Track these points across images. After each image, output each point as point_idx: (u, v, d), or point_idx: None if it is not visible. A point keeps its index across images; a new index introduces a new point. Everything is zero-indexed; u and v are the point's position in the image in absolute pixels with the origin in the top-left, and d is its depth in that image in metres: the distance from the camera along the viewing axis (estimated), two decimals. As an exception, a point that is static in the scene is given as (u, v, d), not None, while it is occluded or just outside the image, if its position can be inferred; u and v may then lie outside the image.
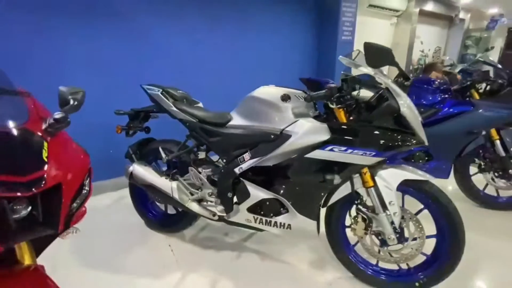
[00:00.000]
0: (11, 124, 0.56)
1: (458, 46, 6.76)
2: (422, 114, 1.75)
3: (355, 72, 1.17)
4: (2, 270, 0.55)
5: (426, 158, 1.88)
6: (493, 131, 1.81)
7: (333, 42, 3.62)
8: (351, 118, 1.14)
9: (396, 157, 1.45)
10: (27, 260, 0.60)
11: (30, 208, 0.53)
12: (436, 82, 1.90)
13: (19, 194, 0.49)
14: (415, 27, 5.16)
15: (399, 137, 1.04)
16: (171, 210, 1.71)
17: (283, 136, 1.16)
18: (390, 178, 1.10)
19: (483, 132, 1.74)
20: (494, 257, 1.44)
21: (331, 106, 1.10)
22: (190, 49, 2.63)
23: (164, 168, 1.58)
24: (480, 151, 1.88)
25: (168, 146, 1.56)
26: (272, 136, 1.19)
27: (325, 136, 1.08)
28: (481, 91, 1.94)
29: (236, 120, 1.32)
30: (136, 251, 1.50)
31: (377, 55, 1.02)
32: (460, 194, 1.99)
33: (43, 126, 0.61)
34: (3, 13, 1.78)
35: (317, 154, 1.08)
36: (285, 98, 1.17)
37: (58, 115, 0.63)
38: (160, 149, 1.50)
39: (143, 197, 1.72)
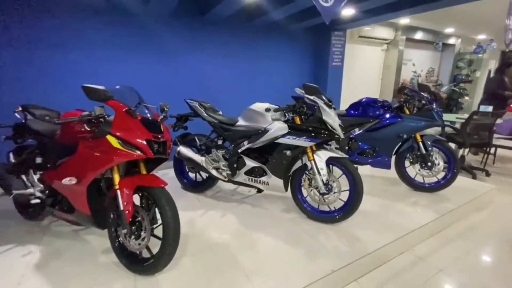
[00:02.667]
0: (152, 116, 1.50)
1: (450, 68, 7.32)
2: (369, 123, 2.60)
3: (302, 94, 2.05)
4: (132, 175, 1.46)
5: (374, 153, 2.67)
6: (418, 136, 2.56)
7: (325, 67, 4.47)
8: (302, 121, 2.01)
9: (326, 144, 2.23)
10: (143, 171, 1.52)
11: (157, 146, 1.44)
12: (381, 101, 2.70)
13: (157, 140, 1.41)
14: (402, 52, 5.88)
15: (322, 131, 1.89)
16: (199, 178, 2.64)
17: (265, 131, 2.04)
18: (322, 155, 1.94)
19: (405, 136, 2.50)
20: (401, 214, 2.18)
21: (287, 115, 1.98)
22: (213, 72, 3.63)
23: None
24: (411, 150, 2.63)
25: (200, 137, 2.50)
26: (260, 131, 2.08)
27: (285, 130, 1.95)
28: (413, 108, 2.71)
29: (241, 122, 2.24)
30: (177, 201, 2.41)
31: (311, 89, 1.89)
32: (399, 180, 2.73)
33: (159, 119, 1.55)
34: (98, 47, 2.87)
35: (281, 140, 1.96)
36: (268, 109, 2.06)
37: (163, 115, 1.57)
38: (196, 138, 2.44)
39: (182, 170, 2.67)
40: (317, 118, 1.91)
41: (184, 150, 2.40)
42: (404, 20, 5.30)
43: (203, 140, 2.47)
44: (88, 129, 1.46)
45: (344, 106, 3.26)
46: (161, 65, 3.29)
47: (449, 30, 6.44)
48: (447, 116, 3.99)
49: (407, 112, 2.68)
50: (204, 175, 2.63)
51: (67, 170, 1.47)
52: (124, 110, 1.38)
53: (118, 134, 1.33)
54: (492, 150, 3.94)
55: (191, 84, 3.51)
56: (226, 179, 2.28)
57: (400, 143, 2.61)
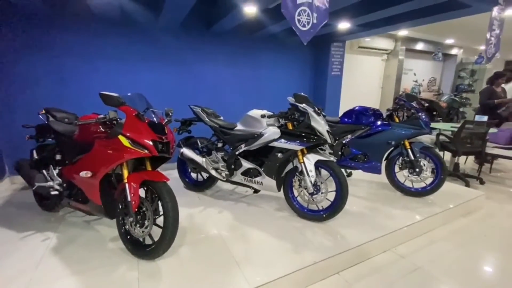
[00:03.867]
0: (158, 119, 1.71)
1: (452, 77, 7.39)
2: (361, 130, 2.76)
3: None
4: (138, 171, 1.67)
5: (365, 158, 2.81)
6: (406, 143, 2.70)
7: (324, 76, 4.66)
8: (295, 127, 2.19)
9: (321, 150, 2.41)
10: (148, 167, 1.72)
11: (161, 146, 1.64)
12: (372, 110, 2.85)
13: (161, 140, 1.62)
14: (402, 62, 6.02)
15: (311, 137, 2.06)
16: (200, 178, 2.83)
17: (260, 135, 2.23)
18: (311, 158, 2.10)
19: (393, 143, 2.64)
20: (387, 215, 2.31)
21: (280, 121, 2.16)
22: (217, 79, 3.87)
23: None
24: (400, 156, 2.76)
25: (201, 140, 2.70)
26: (256, 135, 2.27)
27: (278, 135, 2.14)
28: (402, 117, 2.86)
29: (239, 126, 2.44)
30: (179, 198, 2.61)
31: (301, 98, 2.08)
32: (388, 184, 2.86)
33: (164, 122, 1.76)
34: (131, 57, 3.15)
35: (275, 143, 2.14)
36: (263, 116, 2.26)
37: (167, 119, 1.78)
38: (198, 141, 2.65)
39: (185, 170, 2.87)
40: (306, 124, 2.08)
41: (187, 152, 2.60)
42: (403, 32, 5.46)
43: (205, 142, 2.68)
44: (103, 130, 1.67)
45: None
46: (170, 73, 3.55)
47: (449, 41, 6.54)
48: (442, 125, 4.09)
49: (397, 120, 2.82)
50: (205, 175, 2.83)
51: (84, 165, 1.68)
52: (134, 114, 1.59)
53: (128, 134, 1.54)
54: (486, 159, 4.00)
55: (196, 90, 3.75)
56: (224, 179, 2.47)
57: (390, 150, 2.75)
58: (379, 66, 6.10)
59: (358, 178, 3.26)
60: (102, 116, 1.64)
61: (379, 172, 2.77)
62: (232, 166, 2.39)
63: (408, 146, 2.69)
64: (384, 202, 2.60)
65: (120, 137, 1.54)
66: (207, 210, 2.40)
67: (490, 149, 3.75)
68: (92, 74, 3.14)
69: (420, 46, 6.37)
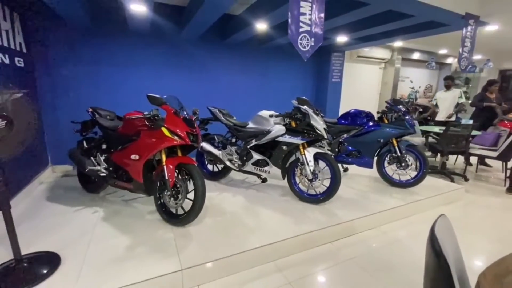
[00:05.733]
0: (188, 116, 2.15)
1: (448, 85, 7.70)
2: (355, 130, 3.15)
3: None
4: (173, 156, 2.11)
5: (358, 155, 3.21)
6: (394, 141, 3.09)
7: (325, 82, 5.08)
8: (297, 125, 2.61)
9: (321, 146, 2.81)
10: (180, 154, 2.16)
11: (192, 137, 2.08)
12: (365, 112, 3.26)
13: (192, 133, 2.06)
14: (399, 70, 6.40)
15: (311, 133, 2.48)
16: (215, 169, 3.27)
17: (268, 131, 2.66)
18: (311, 151, 2.52)
19: (382, 140, 3.03)
20: (375, 201, 2.69)
21: (285, 120, 2.59)
22: (231, 84, 4.33)
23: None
24: (389, 152, 3.14)
25: (218, 136, 3.14)
26: (265, 132, 2.69)
27: (283, 131, 2.56)
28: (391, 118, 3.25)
29: (250, 125, 2.87)
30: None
31: (302, 101, 2.51)
32: (379, 178, 3.24)
33: (193, 119, 2.20)
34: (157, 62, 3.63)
35: (280, 138, 2.57)
36: (271, 115, 2.69)
37: (195, 116, 2.23)
38: (215, 137, 3.09)
39: (203, 162, 3.31)
40: (306, 122, 2.50)
41: (206, 145, 3.04)
42: (399, 43, 5.87)
43: (220, 138, 3.12)
44: (146, 124, 2.11)
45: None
46: (190, 79, 4.03)
47: (443, 51, 6.92)
48: (431, 128, 4.45)
49: (386, 121, 3.22)
50: (220, 166, 3.26)
51: (133, 150, 2.12)
52: (172, 111, 2.04)
53: (169, 127, 1.98)
54: (472, 159, 4.32)
55: (213, 94, 4.22)
56: (237, 169, 2.90)
57: (380, 147, 3.14)
58: (377, 73, 6.49)
59: (353, 173, 3.65)
60: (147, 112, 2.09)
61: (371, 166, 3.16)
62: (244, 158, 2.82)
63: (395, 144, 3.08)
64: (374, 191, 2.99)
65: (163, 129, 1.98)
66: (223, 194, 2.83)
67: (475, 150, 4.09)
68: (124, 79, 3.62)
69: (416, 55, 6.75)
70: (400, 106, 3.15)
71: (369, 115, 3.25)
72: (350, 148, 3.23)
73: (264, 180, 3.18)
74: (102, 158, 2.47)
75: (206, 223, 2.19)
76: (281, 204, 2.59)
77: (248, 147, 2.80)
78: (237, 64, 4.35)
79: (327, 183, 2.55)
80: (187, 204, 2.10)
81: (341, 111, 5.14)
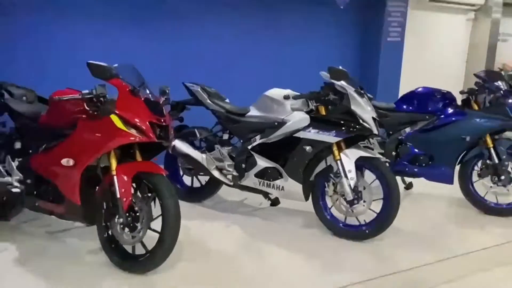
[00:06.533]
0: (154, 98, 2.20)
1: None
2: (424, 121, 3.17)
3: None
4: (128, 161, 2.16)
5: (429, 161, 3.23)
6: (488, 139, 3.09)
7: (376, 44, 5.09)
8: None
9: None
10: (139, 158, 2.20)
11: (159, 130, 2.12)
12: (441, 92, 3.27)
13: (160, 124, 2.10)
14: (499, 24, 6.34)
15: (351, 126, 2.50)
16: (196, 184, 3.31)
17: (282, 123, 2.69)
18: (350, 154, 2.54)
19: (468, 138, 3.03)
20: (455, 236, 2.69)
21: (310, 104, 2.62)
22: (223, 48, 4.36)
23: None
24: (479, 159, 3.14)
25: (200, 130, 3.19)
26: (276, 123, 2.73)
27: (307, 122, 2.59)
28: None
29: (253, 112, 2.91)
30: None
31: (338, 73, 2.53)
32: (464, 199, 3.24)
33: (160, 101, 2.24)
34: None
35: (302, 134, 2.60)
36: (287, 97, 2.72)
37: (164, 97, 2.27)
38: (196, 131, 3.14)
39: (175, 171, 3.36)
40: (344, 108, 2.53)
41: (181, 145, 3.08)
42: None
43: (204, 134, 3.16)
44: (88, 108, 2.16)
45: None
46: (157, 39, 4.09)
47: None
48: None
49: (476, 107, 3.23)
50: (203, 179, 3.29)
51: (63, 152, 2.16)
52: (128, 89, 2.08)
53: (122, 114, 2.02)
54: None
55: (193, 63, 4.26)
56: (232, 183, 2.93)
57: (465, 149, 3.15)
58: (462, 29, 6.45)
59: (420, 191, 3.65)
60: (87, 91, 2.13)
61: (449, 180, 3.17)
62: (243, 165, 2.85)
63: (490, 145, 3.09)
64: (453, 220, 3.02)
65: (113, 117, 2.02)
66: (208, 224, 2.86)
67: None
68: (51, 37, 3.69)
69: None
70: (499, 83, 3.16)
71: (447, 97, 3.27)
72: (416, 150, 3.25)
73: (274, 202, 3.18)
74: (14, 165, 2.52)
75: (181, 270, 2.21)
76: (302, 240, 2.60)
77: (250, 148, 2.82)
78: (232, 18, 4.37)
79: (377, 207, 2.55)
80: (151, 239, 2.12)
81: (402, 91, 5.12)
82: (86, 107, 2.14)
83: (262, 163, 2.79)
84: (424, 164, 3.23)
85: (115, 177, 2.06)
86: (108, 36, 3.88)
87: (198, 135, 3.15)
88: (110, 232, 2.19)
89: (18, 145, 2.60)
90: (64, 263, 2.27)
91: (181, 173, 3.38)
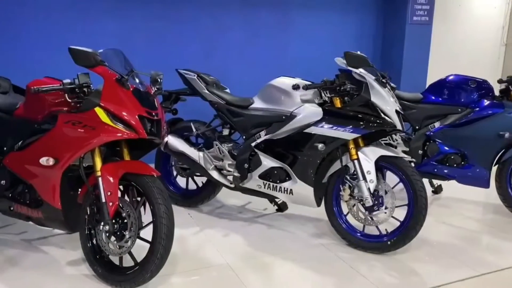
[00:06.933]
0: (144, 88, 2.22)
1: None
2: (456, 114, 3.17)
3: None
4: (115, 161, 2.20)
5: (462, 161, 3.23)
6: (530, 137, 3.09)
7: (400, 25, 5.08)
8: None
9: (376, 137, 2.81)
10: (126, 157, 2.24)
11: (150, 125, 2.14)
12: (475, 81, 3.26)
13: (151, 118, 2.13)
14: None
15: (371, 120, 2.51)
16: (191, 186, 3.34)
17: (291, 116, 2.71)
18: (369, 153, 2.55)
19: (507, 135, 3.03)
20: (492, 248, 2.71)
21: (323, 95, 2.63)
22: (222, 28, 4.40)
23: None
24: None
25: (196, 124, 3.21)
26: (284, 117, 2.74)
27: (319, 116, 2.60)
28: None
29: (257, 103, 2.93)
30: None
31: (356, 59, 2.54)
32: (502, 205, 3.25)
33: (152, 92, 2.27)
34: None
35: (312, 129, 2.61)
36: (296, 87, 2.73)
37: (156, 87, 2.30)
38: (192, 125, 3.16)
39: (168, 172, 3.39)
40: (363, 99, 2.53)
41: (174, 142, 3.11)
42: None
43: (202, 128, 3.18)
44: (69, 100, 2.19)
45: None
46: (147, 19, 4.13)
47: None
48: None
49: (516, 98, 3.22)
50: (200, 180, 3.33)
51: (42, 149, 2.19)
52: (114, 78, 2.10)
53: (107, 106, 2.05)
54: None
55: (188, 46, 4.31)
56: (233, 185, 2.96)
57: (504, 147, 3.14)
58: (500, 6, 6.41)
59: (450, 195, 3.67)
60: (68, 80, 2.16)
61: (485, 184, 3.18)
62: (246, 165, 2.88)
63: (533, 143, 3.08)
64: (489, 230, 3.01)
65: (97, 110, 2.05)
66: (205, 232, 2.90)
67: None
68: (27, 18, 3.72)
69: None
70: None
71: (483, 87, 3.27)
72: (446, 148, 3.26)
73: (281, 207, 3.21)
74: (-14, 164, 2.57)
75: (174, 285, 2.24)
76: (313, 251, 2.63)
77: (253, 145, 2.85)
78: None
79: (400, 214, 2.56)
80: (140, 249, 2.16)
81: (430, 79, 5.11)
82: (68, 99, 2.18)
83: (267, 162, 2.82)
84: (455, 165, 3.23)
85: (99, 179, 2.10)
86: (91, 16, 3.92)
87: (194, 130, 3.18)
88: (94, 241, 2.24)
89: None
90: (42, 275, 2.32)
91: (175, 173, 3.42)
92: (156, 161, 3.42)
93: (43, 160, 2.16)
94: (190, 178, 3.37)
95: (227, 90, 3.23)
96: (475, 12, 6.15)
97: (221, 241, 2.77)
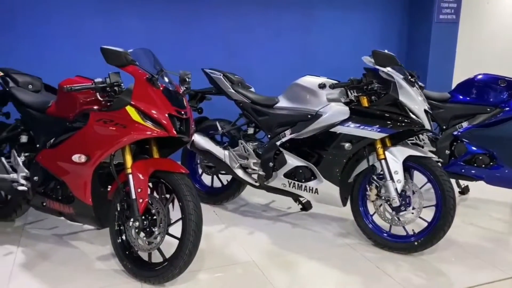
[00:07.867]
0: (173, 87, 2.25)
1: None
2: (485, 114, 3.11)
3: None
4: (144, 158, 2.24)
5: (491, 162, 3.17)
6: None
7: (426, 23, 5.00)
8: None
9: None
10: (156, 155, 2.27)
11: (179, 124, 2.17)
12: (505, 80, 3.19)
13: (180, 117, 2.16)
14: None
15: (399, 119, 2.48)
16: (216, 184, 3.37)
17: (317, 116, 2.70)
18: (397, 152, 2.52)
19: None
20: None
21: (350, 94, 2.61)
22: (248, 29, 4.43)
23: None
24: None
25: (222, 123, 3.23)
26: (309, 116, 2.74)
27: (346, 115, 2.59)
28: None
29: (282, 102, 2.94)
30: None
31: (384, 58, 2.51)
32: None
33: (181, 91, 2.30)
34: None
35: (338, 129, 2.60)
36: (322, 86, 2.72)
37: (185, 86, 2.32)
38: (217, 124, 3.19)
39: (194, 170, 3.43)
40: (391, 99, 2.51)
41: (200, 140, 3.14)
42: None
43: (227, 127, 3.20)
44: (101, 99, 2.23)
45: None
46: (169, 20, 4.18)
47: None
48: None
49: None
50: (225, 178, 3.35)
51: (74, 147, 2.25)
52: (145, 77, 2.14)
53: (138, 105, 2.09)
54: None
55: (214, 46, 4.35)
56: (257, 184, 2.97)
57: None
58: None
59: (478, 196, 3.61)
60: (100, 79, 2.20)
61: (514, 185, 3.10)
62: (271, 164, 2.88)
63: None
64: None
65: (128, 108, 2.09)
66: (230, 229, 2.93)
67: None
68: (60, 20, 3.81)
69: None
70: None
71: (513, 86, 3.19)
72: (474, 148, 3.20)
73: (306, 207, 3.21)
74: (20, 160, 2.64)
75: (202, 281, 2.27)
76: (338, 250, 2.63)
77: (278, 144, 2.85)
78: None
79: (428, 215, 2.53)
80: (169, 245, 2.19)
81: (457, 79, 5.01)
82: (99, 97, 2.23)
83: (292, 161, 2.82)
84: (483, 165, 3.17)
85: (130, 176, 2.14)
86: (120, 18, 4.00)
87: (219, 128, 3.21)
88: (123, 236, 2.29)
89: (24, 138, 2.73)
90: (72, 269, 2.38)
91: (200, 171, 3.46)
92: (182, 159, 3.46)
93: (75, 157, 2.21)
94: (215, 176, 3.40)
95: (252, 89, 3.24)
96: (503, 10, 6.00)
97: (246, 239, 2.79)
